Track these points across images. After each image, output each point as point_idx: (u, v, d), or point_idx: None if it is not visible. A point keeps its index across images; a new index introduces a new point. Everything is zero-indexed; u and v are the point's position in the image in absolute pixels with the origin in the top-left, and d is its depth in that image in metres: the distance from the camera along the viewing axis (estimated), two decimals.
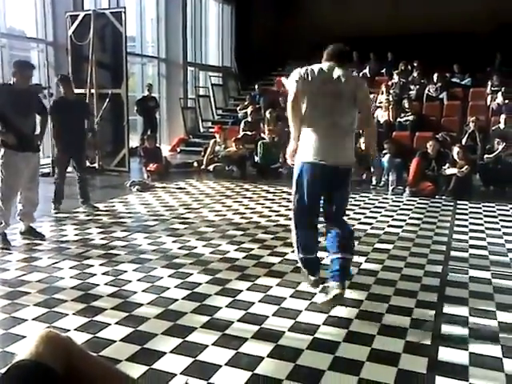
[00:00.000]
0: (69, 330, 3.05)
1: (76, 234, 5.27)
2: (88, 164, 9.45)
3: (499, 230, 5.65)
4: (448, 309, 3.46)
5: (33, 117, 5.08)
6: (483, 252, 4.80)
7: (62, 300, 3.53)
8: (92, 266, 4.27)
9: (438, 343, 2.98)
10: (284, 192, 7.80)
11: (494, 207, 6.79)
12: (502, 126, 9.24)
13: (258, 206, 6.77)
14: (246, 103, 12.40)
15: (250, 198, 7.41)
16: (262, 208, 6.67)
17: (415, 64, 12.65)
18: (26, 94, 4.88)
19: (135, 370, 2.61)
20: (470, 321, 3.27)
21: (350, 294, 3.71)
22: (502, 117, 9.30)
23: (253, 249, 4.80)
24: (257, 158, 9.60)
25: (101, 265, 4.29)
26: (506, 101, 10.33)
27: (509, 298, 3.68)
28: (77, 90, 9.59)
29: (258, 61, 14.87)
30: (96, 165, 9.54)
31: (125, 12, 9.37)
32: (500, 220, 6.09)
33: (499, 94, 10.58)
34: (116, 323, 3.18)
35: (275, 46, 15.14)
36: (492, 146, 8.42)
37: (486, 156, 8.24)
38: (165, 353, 2.82)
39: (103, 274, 4.08)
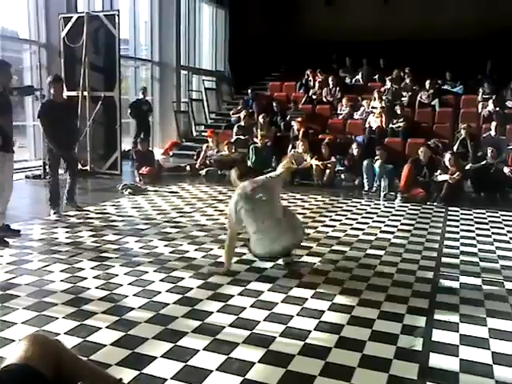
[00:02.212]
0: (59, 334, 3.03)
1: (67, 237, 5.23)
2: (80, 167, 9.44)
3: (490, 236, 5.68)
4: (439, 315, 3.47)
5: (10, 119, 5.16)
6: (474, 258, 4.83)
7: (52, 303, 3.50)
8: (83, 269, 4.24)
9: (429, 349, 2.99)
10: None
11: (484, 214, 6.84)
12: (492, 133, 9.32)
13: None
14: (239, 107, 12.42)
15: None
16: None
17: (407, 71, 12.74)
18: (6, 95, 5.01)
19: (125, 375, 2.59)
20: (461, 327, 3.29)
21: (341, 299, 3.72)
22: (493, 124, 9.39)
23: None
24: (249, 163, 9.61)
25: (92, 268, 4.27)
26: (497, 108, 10.42)
27: (499, 304, 3.70)
28: (69, 93, 9.61)
29: (251, 65, 14.91)
30: (88, 167, 9.49)
31: (118, 15, 9.37)
32: (491, 227, 6.13)
33: (490, 101, 10.67)
34: (107, 327, 3.16)
35: (269, 50, 15.18)
36: (483, 153, 8.49)
37: (470, 164, 8.30)
38: (155, 357, 2.80)
39: (94, 277, 4.05)
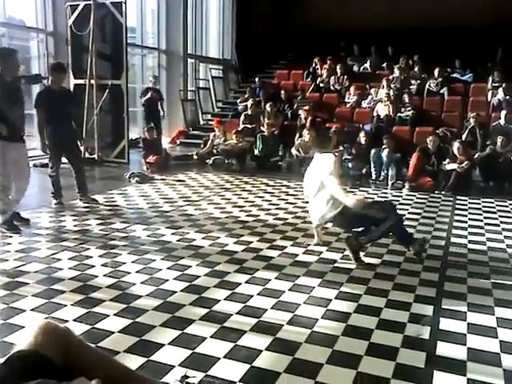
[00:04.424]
0: (67, 321, 3.05)
1: (75, 225, 5.26)
2: (87, 155, 9.47)
3: (498, 225, 5.65)
4: (446, 304, 3.46)
5: (19, 108, 5.08)
6: (482, 247, 4.81)
7: (60, 291, 3.53)
8: (91, 257, 4.27)
9: (437, 338, 2.99)
10: (283, 186, 7.78)
11: (493, 203, 6.79)
12: (502, 121, 9.23)
13: (257, 200, 6.76)
14: (246, 96, 12.38)
15: (249, 191, 7.40)
16: (261, 201, 6.66)
17: (416, 59, 12.61)
18: (13, 84, 4.96)
19: (133, 362, 2.61)
20: (469, 316, 3.28)
21: (348, 288, 3.72)
22: (503, 113, 9.29)
23: (252, 242, 4.79)
24: (256, 151, 9.59)
25: (100, 256, 4.29)
26: (507, 97, 10.30)
27: (507, 293, 3.69)
28: (77, 81, 9.61)
29: (258, 53, 14.81)
30: (95, 156, 9.52)
31: (125, 2, 9.31)
32: (499, 216, 6.09)
33: (500, 89, 10.55)
34: (114, 314, 3.18)
35: (276, 38, 15.06)
36: (493, 141, 8.41)
37: (478, 154, 8.23)
38: (163, 345, 2.82)
39: (102, 265, 4.08)
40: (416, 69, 12.22)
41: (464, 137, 9.10)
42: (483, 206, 6.60)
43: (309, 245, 4.71)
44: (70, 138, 6.22)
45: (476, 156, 8.17)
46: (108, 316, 3.16)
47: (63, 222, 5.41)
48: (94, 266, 4.04)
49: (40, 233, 4.96)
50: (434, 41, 12.60)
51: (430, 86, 11.49)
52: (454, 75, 12.28)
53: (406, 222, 5.66)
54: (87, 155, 9.46)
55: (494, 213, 6.26)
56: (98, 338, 2.85)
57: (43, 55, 9.67)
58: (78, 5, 9.48)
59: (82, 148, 9.08)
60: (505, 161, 7.85)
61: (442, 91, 11.34)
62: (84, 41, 9.46)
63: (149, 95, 11.10)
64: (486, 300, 3.54)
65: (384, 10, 14.36)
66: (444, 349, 2.86)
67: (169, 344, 2.83)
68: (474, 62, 12.22)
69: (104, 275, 3.86)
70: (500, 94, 10.47)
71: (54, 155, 6.14)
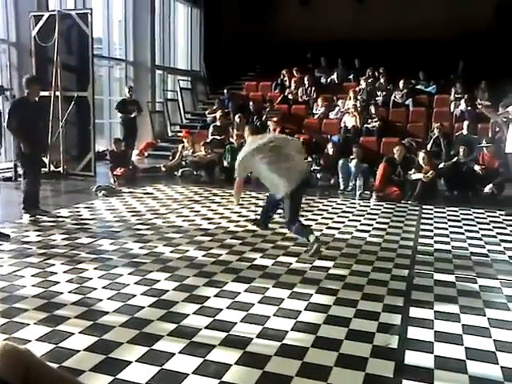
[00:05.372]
0: (30, 341, 2.95)
1: (39, 241, 5.12)
2: (53, 168, 9.27)
3: (463, 233, 5.78)
4: (414, 312, 3.51)
5: None
6: (447, 256, 4.90)
7: (23, 309, 3.41)
8: (55, 273, 4.15)
9: (405, 347, 3.01)
10: (253, 197, 7.78)
11: (457, 211, 6.95)
12: (465, 131, 9.50)
13: (226, 212, 6.73)
14: (214, 107, 12.37)
15: (218, 203, 7.37)
16: (230, 213, 6.64)
17: (382, 71, 12.88)
18: None
19: (99, 381, 2.55)
20: (435, 324, 3.33)
21: (317, 299, 3.72)
22: (465, 123, 9.57)
23: (221, 254, 4.76)
24: (225, 163, 9.57)
25: (65, 272, 4.18)
26: (469, 107, 10.61)
27: (472, 300, 3.76)
28: (41, 93, 9.39)
29: (226, 65, 14.88)
30: (61, 169, 9.32)
31: (91, 13, 9.21)
32: (463, 224, 6.23)
33: (462, 100, 10.87)
34: (80, 332, 3.09)
35: (244, 50, 15.17)
36: (456, 151, 8.63)
37: (444, 163, 8.43)
38: (130, 362, 2.76)
39: (67, 281, 3.97)
40: (382, 80, 12.47)
41: (429, 147, 9.31)
42: (448, 215, 6.75)
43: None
44: (42, 150, 6.16)
45: (441, 166, 8.37)
46: (73, 334, 3.07)
47: (27, 237, 5.26)
48: (58, 283, 3.93)
49: (2, 249, 4.80)
50: (399, 53, 12.91)
51: (395, 97, 11.74)
52: (419, 87, 12.58)
53: (373, 232, 5.77)
54: (52, 168, 9.27)
55: (459, 221, 6.40)
56: (62, 358, 2.76)
57: (5, 66, 9.45)
58: (43, 15, 9.33)
59: (46, 161, 8.96)
60: (467, 170, 8.06)
61: (407, 102, 11.60)
62: (49, 52, 9.31)
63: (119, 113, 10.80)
64: (451, 308, 3.60)
65: (350, 23, 14.66)
66: (412, 357, 2.89)
67: (136, 361, 2.77)
68: (437, 74, 12.56)
69: (69, 292, 3.76)
70: (462, 105, 10.79)
71: (31, 166, 5.99)
